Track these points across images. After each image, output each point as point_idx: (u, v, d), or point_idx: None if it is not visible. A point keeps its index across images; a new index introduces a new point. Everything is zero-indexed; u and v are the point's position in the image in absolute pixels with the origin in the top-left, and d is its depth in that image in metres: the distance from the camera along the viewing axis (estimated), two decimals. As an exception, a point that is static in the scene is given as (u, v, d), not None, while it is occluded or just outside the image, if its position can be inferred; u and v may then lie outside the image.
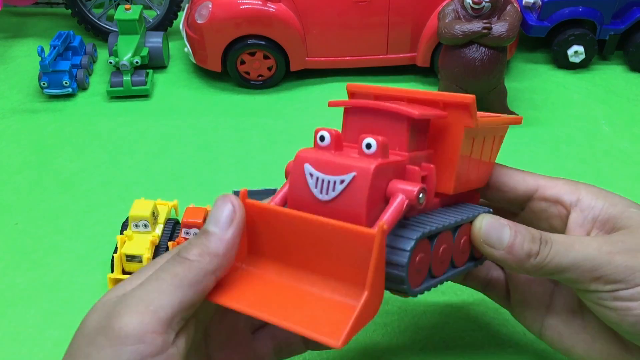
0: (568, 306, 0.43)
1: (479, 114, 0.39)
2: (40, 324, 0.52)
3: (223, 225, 0.34)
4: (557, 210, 0.42)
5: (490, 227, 0.38)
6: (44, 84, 0.76)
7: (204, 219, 0.54)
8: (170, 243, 0.54)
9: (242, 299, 0.34)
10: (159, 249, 0.55)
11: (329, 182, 0.34)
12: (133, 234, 0.55)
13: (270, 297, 0.34)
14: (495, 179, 0.43)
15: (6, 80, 0.82)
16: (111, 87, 0.77)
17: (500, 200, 0.44)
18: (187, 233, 0.54)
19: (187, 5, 0.82)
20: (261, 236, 0.35)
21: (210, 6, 0.75)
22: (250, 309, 0.33)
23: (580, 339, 0.41)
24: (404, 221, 0.36)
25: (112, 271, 0.54)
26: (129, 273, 0.54)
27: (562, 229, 0.42)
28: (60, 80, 0.76)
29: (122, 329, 0.31)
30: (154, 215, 0.56)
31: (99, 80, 0.81)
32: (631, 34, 0.80)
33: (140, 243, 0.54)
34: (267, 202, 0.36)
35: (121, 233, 0.56)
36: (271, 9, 0.74)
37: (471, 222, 0.40)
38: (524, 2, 0.81)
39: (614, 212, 0.40)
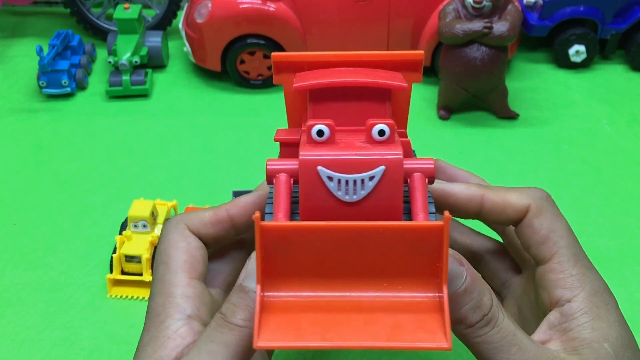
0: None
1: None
2: (39, 324, 0.52)
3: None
4: (543, 296, 0.36)
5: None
6: (42, 83, 0.76)
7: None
8: (169, 243, 0.54)
9: (302, 333, 0.29)
10: (158, 250, 0.55)
11: (355, 181, 0.31)
12: (132, 234, 0.54)
13: (331, 321, 0.30)
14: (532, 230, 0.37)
15: (4, 79, 0.81)
16: (110, 86, 0.77)
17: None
18: (186, 233, 0.54)
19: (186, 5, 0.82)
20: (285, 258, 0.31)
21: (209, 5, 0.75)
22: (322, 342, 0.29)
23: None
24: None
25: (111, 272, 0.54)
26: (128, 273, 0.54)
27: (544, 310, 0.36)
28: (59, 80, 0.76)
29: None
30: (153, 215, 0.55)
31: (97, 80, 0.81)
32: (632, 34, 0.80)
33: (140, 243, 0.54)
34: (279, 221, 0.32)
35: (120, 233, 0.56)
36: (271, 8, 0.74)
37: None
38: (525, 2, 0.81)
39: (587, 336, 0.33)
